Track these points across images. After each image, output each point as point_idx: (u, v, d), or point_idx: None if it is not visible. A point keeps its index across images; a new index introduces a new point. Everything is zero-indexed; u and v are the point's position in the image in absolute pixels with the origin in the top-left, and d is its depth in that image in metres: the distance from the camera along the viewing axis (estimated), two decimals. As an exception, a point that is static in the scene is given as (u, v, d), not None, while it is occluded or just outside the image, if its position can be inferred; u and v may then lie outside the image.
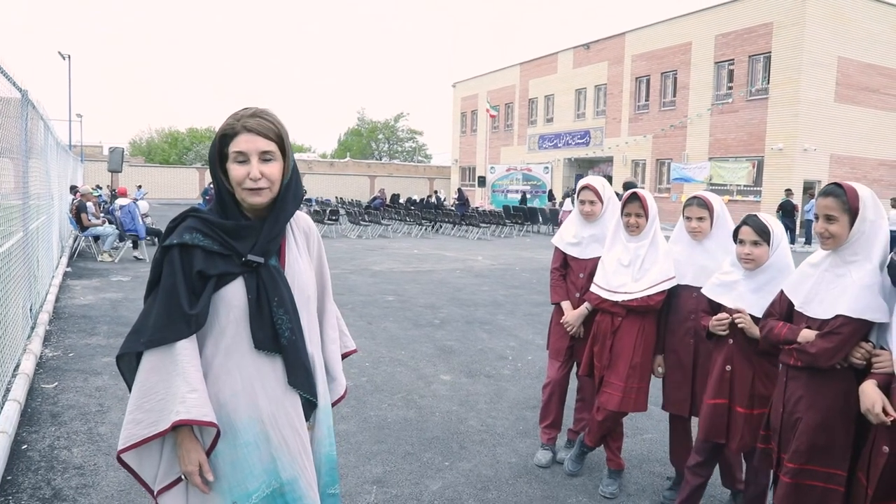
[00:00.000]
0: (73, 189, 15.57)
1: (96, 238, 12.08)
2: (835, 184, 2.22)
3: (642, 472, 3.55)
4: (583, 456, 3.49)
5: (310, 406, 1.74)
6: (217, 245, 1.59)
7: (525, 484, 3.35)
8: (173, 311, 1.54)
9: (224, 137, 1.59)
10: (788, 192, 19.89)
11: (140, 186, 27.38)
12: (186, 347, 1.55)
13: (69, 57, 31.33)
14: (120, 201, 11.89)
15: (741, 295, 2.64)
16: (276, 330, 1.62)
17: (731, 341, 2.70)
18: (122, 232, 11.84)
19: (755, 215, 2.65)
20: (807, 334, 2.23)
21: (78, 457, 3.47)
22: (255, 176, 1.56)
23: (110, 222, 12.12)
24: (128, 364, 1.64)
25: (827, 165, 23.16)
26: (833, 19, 22.46)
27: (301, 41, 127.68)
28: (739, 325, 2.60)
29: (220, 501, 1.62)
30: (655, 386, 3.29)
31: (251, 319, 1.61)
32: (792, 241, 18.54)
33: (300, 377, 1.67)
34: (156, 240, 12.66)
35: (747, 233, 2.60)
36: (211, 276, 1.58)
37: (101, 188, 22.79)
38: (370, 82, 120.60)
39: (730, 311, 2.66)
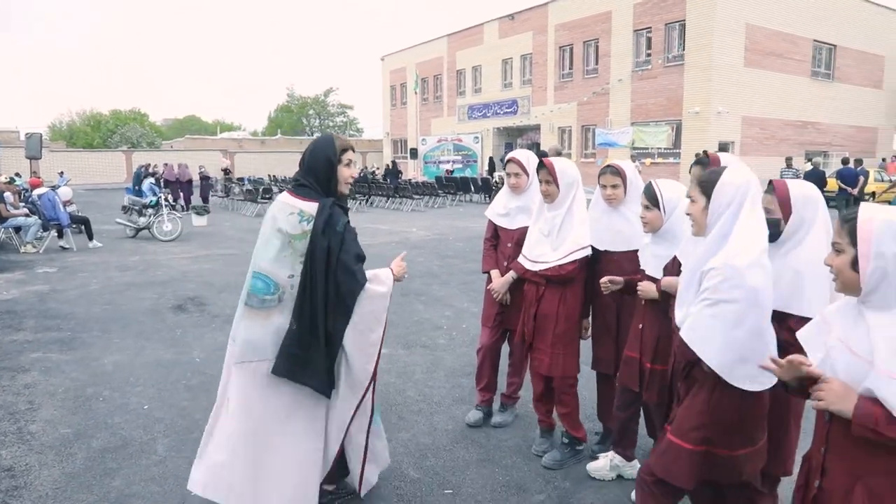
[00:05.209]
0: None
1: (17, 229, 11.47)
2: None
3: (571, 428, 3.76)
4: (549, 435, 3.51)
5: None
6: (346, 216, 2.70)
7: (462, 449, 3.52)
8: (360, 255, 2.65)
9: (344, 150, 2.68)
10: (701, 153, 20.75)
11: (62, 173, 25.65)
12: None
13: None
14: (38, 190, 11.26)
15: (647, 259, 2.86)
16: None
17: (643, 302, 2.88)
18: (45, 221, 11.32)
19: (649, 182, 2.80)
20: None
21: (7, 458, 3.39)
22: (355, 175, 2.80)
23: (32, 212, 11.55)
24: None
25: (739, 127, 24.36)
26: (742, -14, 23.38)
27: (226, 18, 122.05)
28: (640, 294, 2.80)
29: None
30: (587, 345, 3.44)
31: None
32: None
33: None
34: (82, 227, 12.04)
35: (641, 198, 2.80)
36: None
37: (20, 176, 21.25)
38: (298, 58, 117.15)
39: (650, 277, 2.81)
